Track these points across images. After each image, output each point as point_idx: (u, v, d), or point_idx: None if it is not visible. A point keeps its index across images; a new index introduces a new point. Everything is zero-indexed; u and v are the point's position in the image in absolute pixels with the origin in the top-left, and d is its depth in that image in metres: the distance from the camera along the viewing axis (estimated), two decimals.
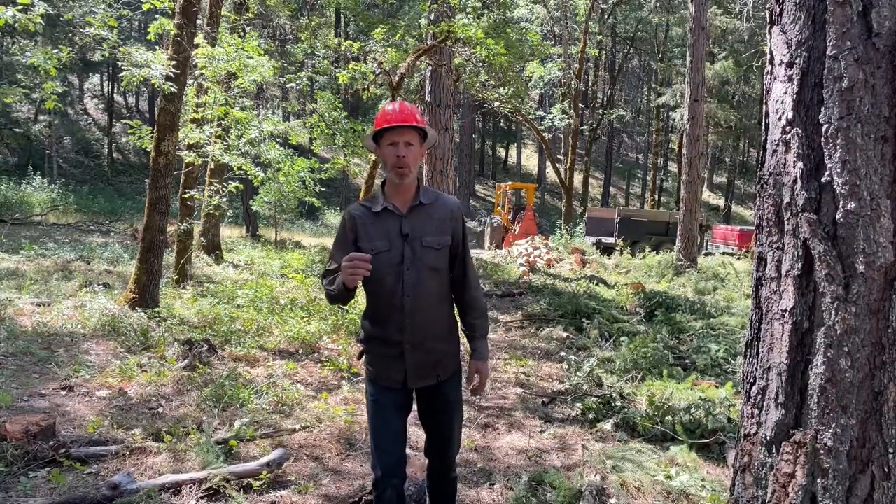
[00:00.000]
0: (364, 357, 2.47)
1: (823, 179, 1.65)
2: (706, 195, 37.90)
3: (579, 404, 4.91)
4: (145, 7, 6.91)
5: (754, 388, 1.85)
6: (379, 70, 8.38)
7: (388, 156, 2.30)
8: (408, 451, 2.93)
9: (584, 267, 15.26)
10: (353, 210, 2.40)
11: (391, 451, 2.35)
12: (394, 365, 2.35)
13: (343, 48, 9.06)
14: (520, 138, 45.32)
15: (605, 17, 31.84)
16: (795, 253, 1.70)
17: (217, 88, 9.14)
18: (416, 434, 3.74)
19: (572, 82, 24.59)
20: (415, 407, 2.52)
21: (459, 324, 2.53)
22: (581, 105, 26.67)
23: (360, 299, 2.56)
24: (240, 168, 9.48)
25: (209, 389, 4.61)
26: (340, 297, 2.28)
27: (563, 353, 6.76)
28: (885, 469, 1.60)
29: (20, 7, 5.81)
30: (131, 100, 38.55)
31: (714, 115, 28.30)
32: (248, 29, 14.33)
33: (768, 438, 1.76)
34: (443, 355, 2.41)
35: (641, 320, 8.29)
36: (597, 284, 11.30)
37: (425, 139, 2.38)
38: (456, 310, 2.52)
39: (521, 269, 13.56)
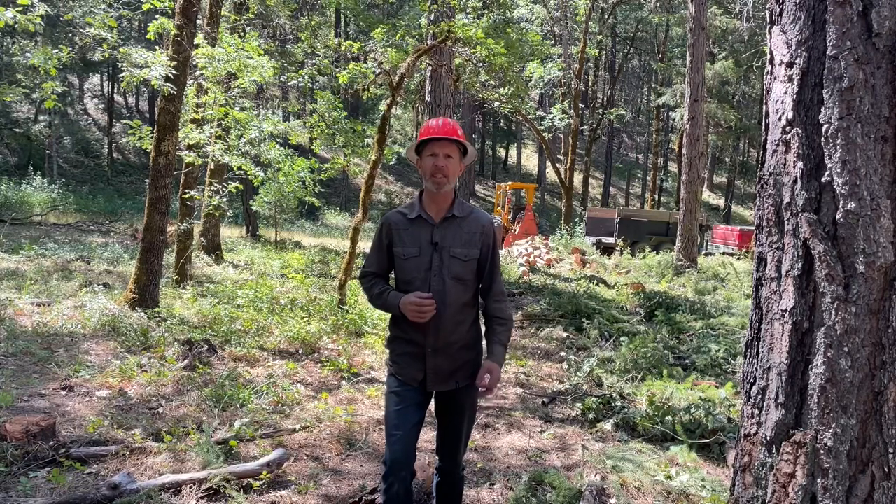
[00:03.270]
0: (388, 354, 2.57)
1: (823, 179, 1.65)
2: (706, 195, 37.91)
3: (579, 404, 4.91)
4: (145, 7, 6.91)
5: (754, 388, 1.84)
6: (379, 70, 8.36)
7: (427, 166, 2.41)
8: None
9: (584, 267, 15.26)
10: (390, 216, 2.52)
11: (402, 444, 2.41)
12: (415, 364, 2.45)
13: (343, 48, 9.04)
14: (520, 138, 45.31)
15: (605, 17, 31.82)
16: (795, 253, 1.70)
17: (217, 89, 9.14)
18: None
19: (572, 82, 24.58)
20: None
21: (484, 332, 2.59)
22: (581, 105, 26.66)
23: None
24: (240, 168, 9.49)
25: (209, 389, 4.61)
26: (387, 311, 2.49)
27: (563, 353, 6.76)
28: (885, 469, 1.60)
29: (20, 8, 5.81)
30: (131, 100, 38.55)
31: (714, 115, 28.31)
32: (248, 29, 14.32)
33: (768, 438, 1.76)
34: (463, 362, 2.48)
35: (641, 320, 8.29)
36: (597, 284, 11.30)
37: (465, 154, 2.48)
38: (481, 320, 2.59)
39: (521, 269, 13.56)
